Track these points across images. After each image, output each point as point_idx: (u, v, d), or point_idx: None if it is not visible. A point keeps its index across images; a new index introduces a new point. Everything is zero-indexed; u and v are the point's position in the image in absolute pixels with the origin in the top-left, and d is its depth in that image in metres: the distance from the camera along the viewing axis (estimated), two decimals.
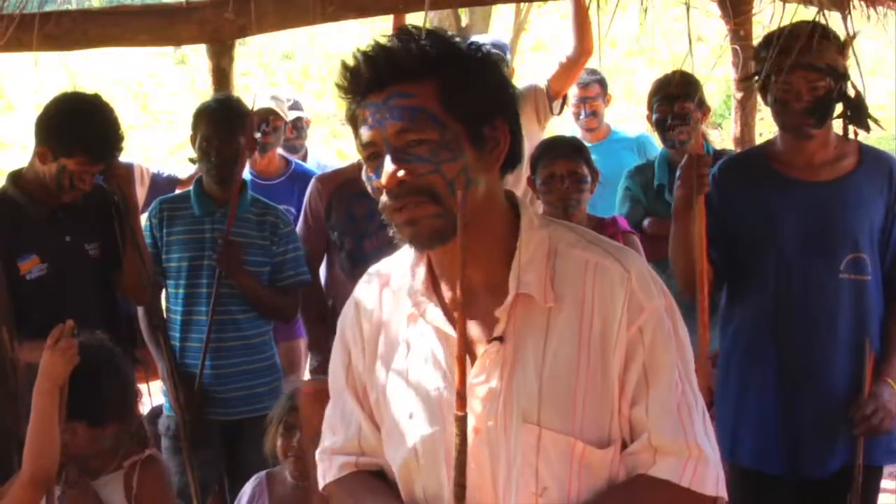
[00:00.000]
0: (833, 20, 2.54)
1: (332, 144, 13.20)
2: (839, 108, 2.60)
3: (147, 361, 3.19)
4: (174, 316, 3.28)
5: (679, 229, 2.69)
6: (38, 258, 2.94)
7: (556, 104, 4.07)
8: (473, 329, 1.44)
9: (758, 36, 3.04)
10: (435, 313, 1.46)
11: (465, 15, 10.31)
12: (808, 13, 2.73)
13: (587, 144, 3.54)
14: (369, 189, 1.45)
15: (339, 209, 3.34)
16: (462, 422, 1.33)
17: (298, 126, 4.66)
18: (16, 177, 3.05)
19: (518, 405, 1.40)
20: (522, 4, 9.82)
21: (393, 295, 1.53)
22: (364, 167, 1.46)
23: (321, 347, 3.44)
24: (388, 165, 1.37)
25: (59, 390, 2.23)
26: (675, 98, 3.50)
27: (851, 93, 2.58)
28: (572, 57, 3.97)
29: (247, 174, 3.69)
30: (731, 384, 2.72)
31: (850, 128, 2.63)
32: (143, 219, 3.36)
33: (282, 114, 4.29)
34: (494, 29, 11.82)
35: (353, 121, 1.44)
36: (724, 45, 3.95)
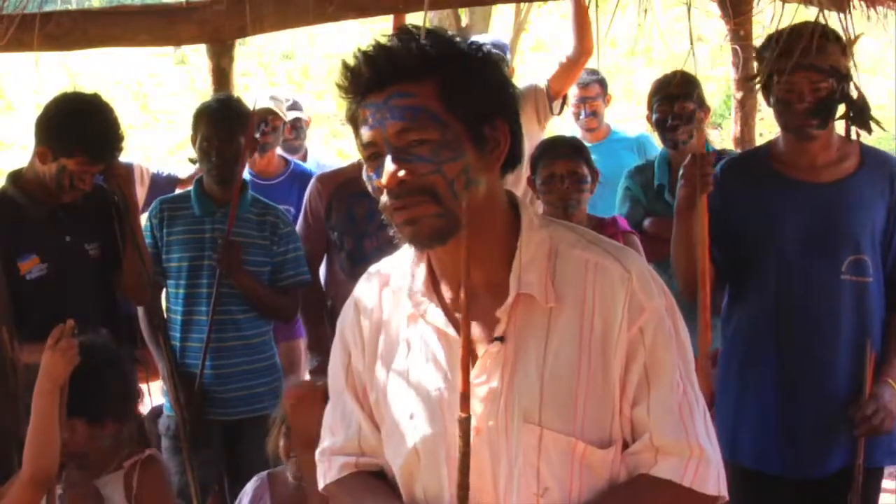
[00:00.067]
0: (833, 20, 2.54)
1: (332, 144, 13.20)
2: (841, 109, 2.59)
3: (147, 361, 3.19)
4: (174, 316, 3.28)
5: (681, 229, 2.69)
6: (38, 258, 2.94)
7: (556, 104, 4.07)
8: (474, 329, 1.43)
9: (758, 36, 3.05)
10: (435, 314, 1.46)
11: (465, 15, 10.31)
12: (808, 13, 2.73)
13: (587, 144, 3.54)
14: (370, 189, 1.45)
15: (339, 209, 3.34)
16: (466, 424, 1.33)
17: (297, 126, 4.65)
18: (16, 177, 3.05)
19: (519, 405, 1.40)
20: (522, 4, 9.82)
21: (393, 295, 1.53)
22: (365, 167, 1.45)
23: (321, 347, 3.44)
24: (389, 165, 1.37)
25: (60, 390, 2.23)
26: (675, 98, 3.50)
27: (854, 94, 2.58)
28: (572, 57, 3.97)
29: (246, 174, 3.69)
30: (732, 384, 2.72)
31: (853, 129, 2.63)
32: (143, 219, 3.36)
33: (280, 114, 4.29)
34: (494, 29, 11.82)
35: (354, 121, 1.44)
36: (724, 45, 3.95)
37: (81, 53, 10.07)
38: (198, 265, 3.22)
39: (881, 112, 2.75)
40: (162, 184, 4.15)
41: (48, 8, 3.54)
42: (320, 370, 3.32)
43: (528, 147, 3.02)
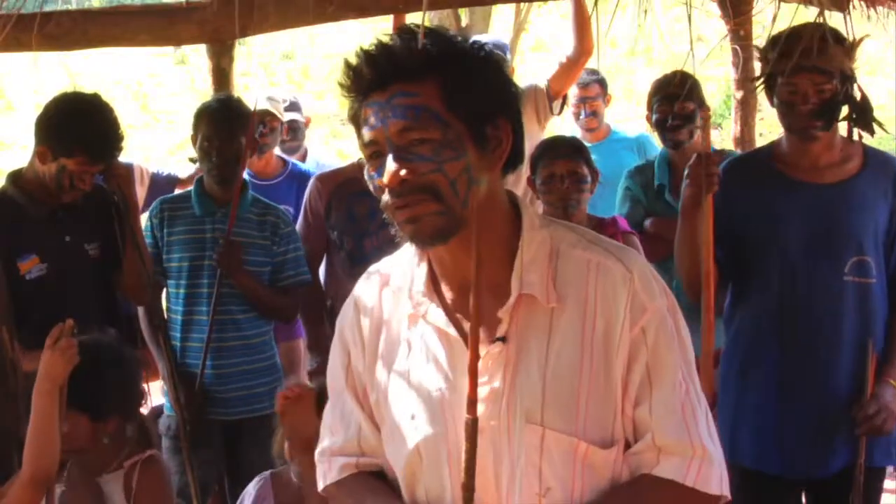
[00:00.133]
0: (834, 20, 2.54)
1: (332, 144, 13.20)
2: (844, 110, 2.59)
3: (147, 361, 3.19)
4: (175, 316, 3.28)
5: (686, 228, 2.68)
6: (38, 258, 2.94)
7: (556, 104, 4.07)
8: None
9: (758, 36, 3.04)
10: (436, 314, 1.46)
11: (465, 15, 10.31)
12: (808, 13, 2.73)
13: (587, 144, 3.54)
14: (371, 188, 1.45)
15: (339, 208, 3.34)
16: (473, 426, 1.32)
17: (294, 128, 4.62)
18: (16, 177, 3.05)
19: (521, 405, 1.40)
20: (522, 4, 9.82)
21: (393, 295, 1.53)
22: (366, 166, 1.45)
23: (321, 348, 3.44)
24: (391, 164, 1.37)
25: (59, 390, 2.23)
26: (676, 98, 3.50)
27: (857, 95, 2.58)
28: (572, 57, 3.97)
29: (245, 175, 3.70)
30: (733, 384, 2.72)
31: (855, 130, 2.62)
32: (143, 219, 3.36)
33: (278, 114, 4.29)
34: (494, 29, 11.82)
35: (356, 120, 1.44)
36: (724, 45, 3.95)
37: (81, 53, 10.07)
38: (198, 265, 3.22)
39: (881, 112, 2.75)
40: (162, 184, 4.15)
41: (48, 8, 3.54)
42: (320, 370, 3.32)
43: (528, 147, 3.02)
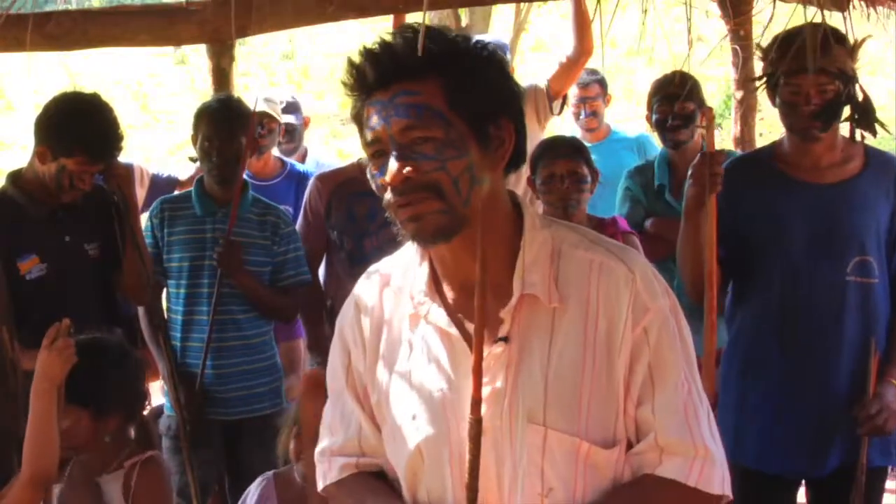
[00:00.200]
0: (834, 20, 2.54)
1: (332, 144, 13.20)
2: (846, 110, 2.59)
3: (147, 362, 3.19)
4: (175, 316, 3.28)
5: (689, 228, 2.68)
6: (38, 258, 2.94)
7: (556, 104, 4.07)
8: None
9: (758, 36, 3.04)
10: (438, 314, 1.45)
11: (465, 15, 10.31)
12: (808, 13, 2.73)
13: (587, 144, 3.53)
14: (374, 186, 1.44)
15: (340, 208, 3.34)
16: (476, 426, 1.32)
17: (290, 130, 4.61)
18: (15, 177, 3.05)
19: (523, 406, 1.40)
20: (522, 4, 9.83)
21: (394, 295, 1.53)
22: (369, 165, 1.45)
23: (321, 347, 3.43)
24: (394, 162, 1.37)
25: (57, 389, 2.23)
26: (676, 98, 3.50)
27: (859, 96, 2.58)
28: (572, 57, 3.97)
29: (244, 175, 3.69)
30: (734, 384, 2.72)
31: (857, 131, 2.62)
32: (144, 219, 3.36)
33: (275, 115, 4.29)
34: (494, 29, 11.83)
35: (358, 119, 1.44)
36: (723, 45, 3.95)
37: (81, 53, 10.07)
38: (199, 265, 3.22)
39: (882, 112, 2.75)
40: (162, 185, 4.15)
41: (48, 8, 3.54)
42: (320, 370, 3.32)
43: (528, 147, 3.01)
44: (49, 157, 2.90)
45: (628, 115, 11.20)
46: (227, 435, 3.26)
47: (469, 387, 1.35)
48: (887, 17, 2.90)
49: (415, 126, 1.37)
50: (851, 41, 2.54)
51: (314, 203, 3.39)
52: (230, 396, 3.22)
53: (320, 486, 1.62)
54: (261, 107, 4.13)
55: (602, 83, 4.73)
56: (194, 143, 3.31)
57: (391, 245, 1.57)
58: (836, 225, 2.58)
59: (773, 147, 2.77)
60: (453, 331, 1.44)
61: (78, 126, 2.88)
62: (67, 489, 2.36)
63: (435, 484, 1.46)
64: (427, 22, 1.44)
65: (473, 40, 1.45)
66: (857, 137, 2.63)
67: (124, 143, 3.03)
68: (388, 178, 1.37)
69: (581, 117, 4.71)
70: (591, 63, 4.35)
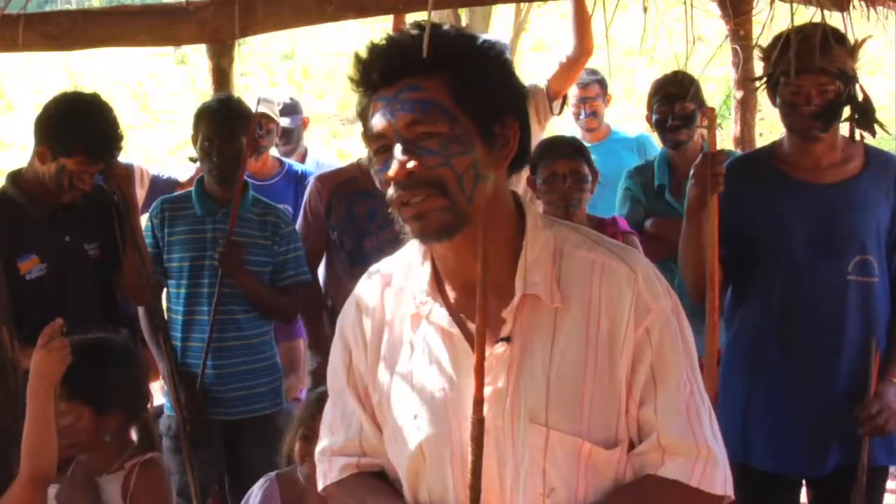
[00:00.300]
0: (833, 20, 2.54)
1: (332, 144, 13.20)
2: (847, 111, 2.59)
3: (148, 361, 3.19)
4: (175, 316, 3.28)
5: (691, 228, 2.68)
6: (38, 258, 2.94)
7: (556, 104, 4.07)
8: None
9: (758, 36, 3.04)
10: (440, 314, 1.45)
11: (465, 15, 10.32)
12: (808, 13, 2.72)
13: (587, 144, 3.53)
14: (377, 182, 1.44)
15: (339, 209, 3.34)
16: (479, 425, 1.32)
17: (287, 132, 4.60)
18: (15, 177, 3.05)
19: (525, 406, 1.40)
20: (522, 4, 9.83)
21: (395, 295, 1.53)
22: (372, 161, 1.45)
23: (321, 347, 3.43)
24: (398, 157, 1.37)
25: (54, 389, 2.23)
26: (676, 98, 3.50)
27: (860, 96, 2.58)
28: (572, 57, 3.97)
29: None
30: (735, 383, 2.72)
31: (857, 131, 2.62)
32: (144, 219, 3.36)
33: (273, 115, 4.29)
34: (494, 29, 11.83)
35: (364, 115, 1.44)
36: (724, 45, 3.94)
37: (81, 53, 10.08)
38: (199, 265, 3.22)
39: (882, 112, 2.75)
40: (162, 186, 4.14)
41: (48, 8, 3.54)
42: (320, 370, 3.32)
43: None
44: (49, 157, 2.90)
45: (628, 115, 11.20)
46: (227, 435, 3.26)
47: (471, 387, 1.35)
48: (887, 17, 2.90)
49: (420, 121, 1.37)
50: (851, 41, 2.54)
51: (314, 203, 3.39)
52: (230, 396, 3.22)
53: (320, 485, 1.62)
54: (258, 106, 4.14)
55: (602, 83, 4.73)
56: (194, 143, 3.31)
57: (391, 245, 1.56)
58: (836, 225, 2.58)
59: (774, 147, 2.77)
60: (455, 330, 1.44)
61: (78, 126, 2.88)
62: (66, 488, 2.36)
63: (436, 484, 1.46)
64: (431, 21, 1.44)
65: (481, 39, 1.45)
66: (857, 137, 2.63)
67: (124, 143, 3.03)
68: (391, 172, 1.37)
69: (581, 117, 4.71)
70: (592, 63, 4.35)
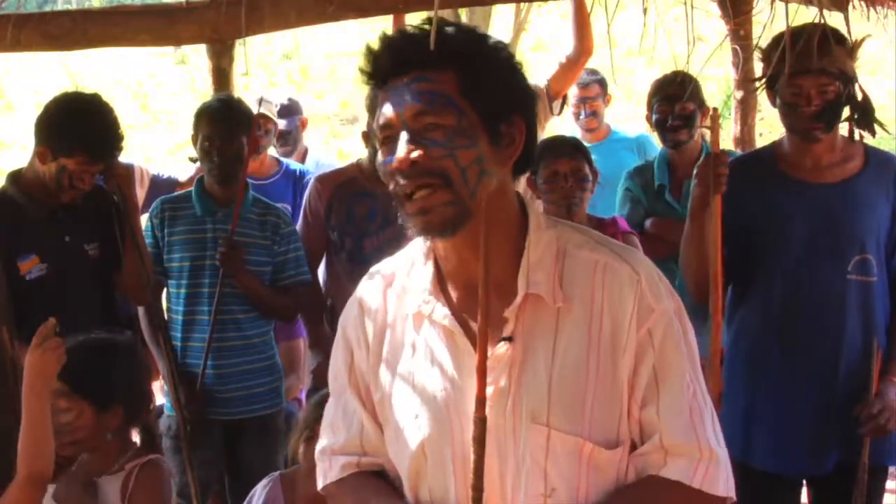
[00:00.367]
0: (833, 20, 2.54)
1: (332, 144, 13.21)
2: (846, 111, 2.59)
3: (148, 362, 3.19)
4: (176, 316, 3.28)
5: (693, 228, 2.68)
6: (38, 258, 2.94)
7: (556, 104, 4.07)
8: None
9: (758, 36, 3.04)
10: (442, 313, 1.46)
11: (465, 15, 10.31)
12: (808, 13, 2.72)
13: (587, 144, 3.53)
14: (381, 174, 1.44)
15: (339, 209, 3.34)
16: (481, 424, 1.33)
17: (284, 134, 4.60)
18: (16, 177, 3.05)
19: (527, 406, 1.40)
20: (522, 4, 9.83)
21: (397, 295, 1.53)
22: (378, 152, 1.45)
23: (322, 347, 3.44)
24: (403, 146, 1.38)
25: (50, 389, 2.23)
26: (676, 98, 3.50)
27: (859, 96, 2.58)
28: (572, 57, 3.97)
29: None
30: (736, 384, 2.72)
31: (856, 131, 2.62)
32: (144, 219, 3.36)
33: (271, 115, 4.29)
34: (494, 29, 11.83)
35: (372, 107, 1.45)
36: (724, 45, 3.94)
37: (81, 53, 10.08)
38: (199, 265, 3.22)
39: (882, 112, 2.75)
40: (162, 186, 4.15)
41: (48, 8, 3.54)
42: (321, 370, 3.32)
43: None
44: (49, 156, 2.90)
45: (628, 115, 11.20)
46: (227, 435, 3.26)
47: (472, 386, 1.35)
48: (887, 17, 2.90)
49: (427, 112, 1.37)
50: (851, 41, 2.54)
51: (314, 204, 3.39)
52: (230, 396, 3.22)
53: (320, 484, 1.62)
54: (256, 107, 4.14)
55: (602, 83, 4.73)
56: (194, 143, 3.31)
57: (391, 245, 1.56)
58: (837, 224, 2.59)
59: (773, 147, 2.77)
60: (457, 330, 1.44)
61: (78, 126, 2.88)
62: (64, 487, 2.35)
63: (437, 483, 1.46)
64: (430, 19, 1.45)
65: (492, 39, 1.45)
66: (857, 137, 2.63)
67: (124, 144, 3.03)
68: (395, 161, 1.38)
69: (581, 117, 4.71)
70: (592, 63, 4.35)
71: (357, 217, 3.32)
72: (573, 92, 4.50)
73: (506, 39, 5.90)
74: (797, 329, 2.60)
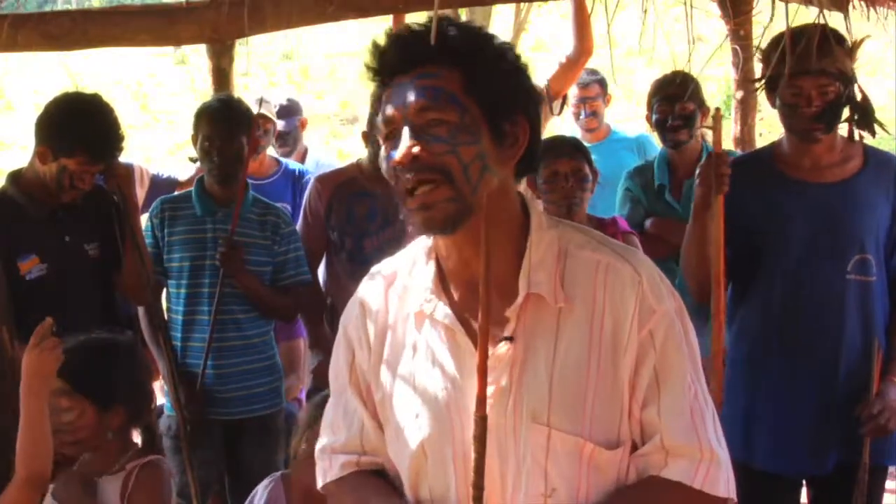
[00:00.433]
0: (833, 20, 2.54)
1: (332, 144, 13.21)
2: (846, 111, 2.59)
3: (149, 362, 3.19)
4: (176, 316, 3.28)
5: (696, 229, 2.68)
6: (38, 258, 2.94)
7: (556, 104, 4.07)
8: None
9: (758, 36, 3.04)
10: (444, 312, 1.46)
11: (465, 15, 10.31)
12: (808, 13, 2.72)
13: (587, 144, 3.53)
14: (384, 170, 1.44)
15: (339, 209, 3.35)
16: (482, 423, 1.33)
17: (282, 135, 4.60)
18: (16, 177, 3.05)
19: (528, 405, 1.40)
20: (522, 4, 9.82)
21: (399, 295, 1.53)
22: (381, 147, 1.45)
23: (322, 347, 3.44)
24: (406, 141, 1.38)
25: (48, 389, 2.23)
26: (676, 98, 3.50)
27: (858, 96, 2.57)
28: (572, 57, 3.96)
29: None
30: (736, 384, 2.72)
31: (856, 131, 2.62)
32: (144, 219, 3.36)
33: (270, 115, 4.29)
34: (494, 29, 11.81)
35: (378, 102, 1.46)
36: (724, 45, 3.94)
37: (81, 53, 10.08)
38: (199, 265, 3.22)
39: (882, 112, 2.75)
40: (162, 185, 4.15)
41: (47, 8, 3.54)
42: (321, 369, 3.32)
43: None
44: (50, 157, 2.90)
45: (628, 115, 11.20)
46: (227, 435, 3.26)
47: (473, 386, 1.35)
48: (887, 17, 2.90)
49: (430, 107, 1.38)
50: (851, 41, 2.54)
51: (314, 204, 3.40)
52: (230, 396, 3.22)
53: (320, 483, 1.62)
54: (256, 107, 4.14)
55: (602, 83, 4.72)
56: (194, 143, 3.31)
57: (391, 245, 1.57)
58: (837, 224, 2.59)
59: (773, 148, 2.77)
60: (459, 329, 1.44)
61: (79, 126, 2.88)
62: (63, 486, 2.35)
63: (438, 482, 1.46)
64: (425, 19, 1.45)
65: (499, 39, 1.46)
66: (857, 138, 2.63)
67: (125, 144, 3.04)
68: (398, 156, 1.38)
69: (581, 117, 4.71)
70: (592, 63, 4.35)
71: (357, 217, 3.32)
72: (573, 92, 4.50)
73: (506, 39, 5.88)
74: (797, 329, 2.60)
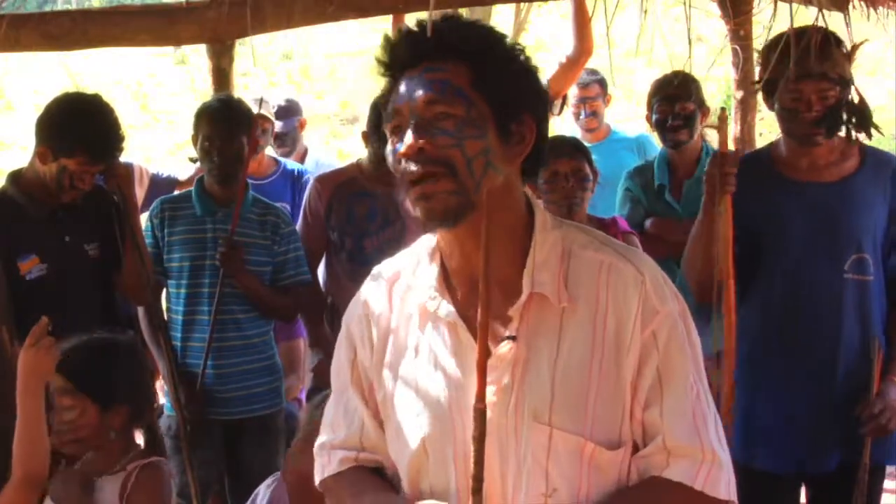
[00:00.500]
0: (833, 20, 2.53)
1: (332, 144, 13.20)
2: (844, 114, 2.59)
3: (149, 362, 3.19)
4: (176, 316, 3.28)
5: (701, 228, 2.68)
6: (38, 258, 2.94)
7: (556, 104, 4.07)
8: None
9: (758, 36, 3.04)
10: (447, 310, 1.46)
11: (465, 14, 10.30)
12: (808, 13, 2.72)
13: (587, 144, 3.53)
14: (390, 162, 1.45)
15: (339, 209, 3.35)
16: (481, 415, 1.32)
17: (281, 135, 4.59)
18: (16, 177, 3.05)
19: (530, 405, 1.41)
20: (522, 4, 9.82)
21: (402, 293, 1.53)
22: (388, 140, 1.46)
23: (322, 347, 3.44)
24: (411, 133, 1.39)
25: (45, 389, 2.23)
26: (676, 98, 3.50)
27: (855, 98, 2.57)
28: (572, 57, 3.96)
29: None
30: (737, 384, 2.72)
31: (853, 133, 2.62)
32: (143, 219, 3.36)
33: (269, 115, 4.29)
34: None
35: (387, 96, 1.47)
36: (724, 45, 3.94)
37: (81, 53, 10.07)
38: (199, 265, 3.22)
39: (881, 113, 2.75)
40: (161, 185, 4.15)
41: (47, 8, 3.55)
42: (321, 368, 3.33)
43: None
44: (50, 157, 2.90)
45: (628, 115, 11.19)
46: (227, 435, 3.26)
47: (474, 384, 1.35)
48: (887, 18, 2.90)
49: (437, 101, 1.39)
50: (851, 41, 2.54)
51: (314, 204, 3.40)
52: (230, 396, 3.23)
53: (318, 479, 1.63)
54: (255, 107, 4.14)
55: (602, 83, 4.72)
56: (194, 143, 3.31)
57: (391, 245, 1.57)
58: (835, 223, 2.59)
59: (770, 149, 2.77)
60: (462, 325, 1.44)
61: (79, 126, 2.88)
62: (61, 485, 2.35)
63: (439, 480, 1.46)
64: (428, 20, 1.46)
65: (510, 39, 1.47)
66: (854, 139, 2.63)
67: (125, 144, 3.04)
68: (403, 148, 1.39)
69: (581, 117, 4.70)
70: (592, 63, 4.34)
71: (357, 217, 3.32)
72: (573, 92, 4.50)
73: None
74: (796, 329, 2.60)
